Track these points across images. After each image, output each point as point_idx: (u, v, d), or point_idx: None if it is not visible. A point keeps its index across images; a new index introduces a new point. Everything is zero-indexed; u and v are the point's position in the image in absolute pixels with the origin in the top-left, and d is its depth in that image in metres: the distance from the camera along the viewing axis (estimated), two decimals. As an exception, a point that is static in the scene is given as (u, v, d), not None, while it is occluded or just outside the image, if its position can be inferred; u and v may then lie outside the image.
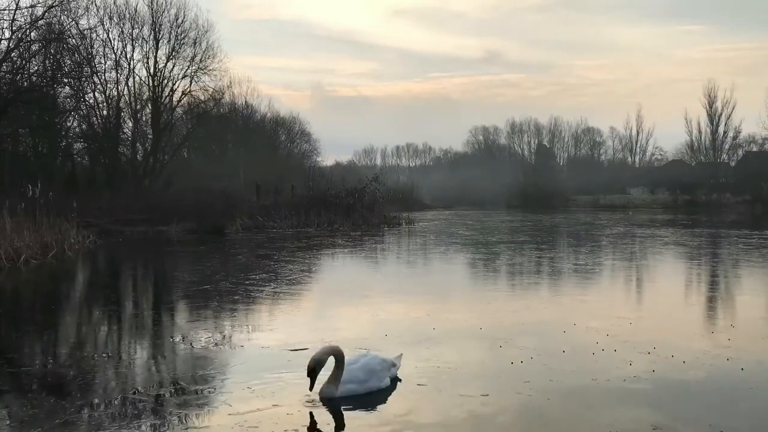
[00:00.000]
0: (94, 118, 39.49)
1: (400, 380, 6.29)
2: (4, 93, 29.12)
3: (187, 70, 40.79)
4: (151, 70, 40.70)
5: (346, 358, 5.96)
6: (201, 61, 40.69)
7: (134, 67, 40.48)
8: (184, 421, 5.24)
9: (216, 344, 7.89)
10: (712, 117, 78.64)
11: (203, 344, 7.88)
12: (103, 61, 39.41)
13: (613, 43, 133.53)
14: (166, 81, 40.96)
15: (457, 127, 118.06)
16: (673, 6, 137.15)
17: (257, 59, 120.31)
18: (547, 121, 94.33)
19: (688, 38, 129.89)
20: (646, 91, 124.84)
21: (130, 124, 41.95)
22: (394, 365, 6.35)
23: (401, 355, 6.66)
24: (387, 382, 6.14)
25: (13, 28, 29.18)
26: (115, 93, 39.68)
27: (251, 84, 68.40)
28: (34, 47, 31.45)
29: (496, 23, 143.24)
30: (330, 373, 5.86)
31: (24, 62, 31.16)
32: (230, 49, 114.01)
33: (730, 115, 77.89)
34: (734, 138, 79.39)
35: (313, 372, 5.69)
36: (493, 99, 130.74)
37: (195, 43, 40.77)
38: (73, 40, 34.74)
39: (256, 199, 36.22)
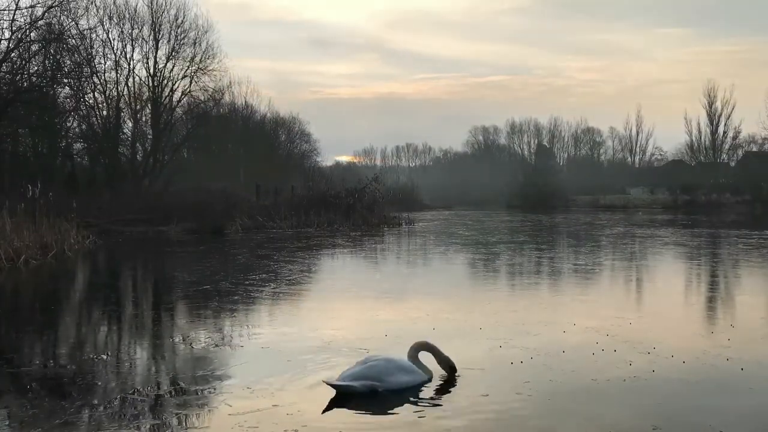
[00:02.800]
0: (94, 119, 39.53)
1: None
2: (4, 93, 29.14)
3: (186, 70, 40.90)
4: (151, 71, 40.78)
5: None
6: (201, 61, 40.82)
7: (134, 68, 40.59)
8: (184, 421, 5.24)
9: (216, 344, 7.89)
10: (712, 117, 78.74)
11: (203, 344, 7.88)
12: (102, 62, 39.55)
13: (600, 44, 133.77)
14: (165, 81, 41.06)
15: (448, 128, 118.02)
16: (659, 9, 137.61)
17: (236, 61, 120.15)
18: (547, 122, 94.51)
19: (681, 40, 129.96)
20: (640, 91, 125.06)
21: (130, 125, 42.06)
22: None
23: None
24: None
25: (13, 28, 29.25)
26: (115, 93, 39.78)
27: (251, 84, 68.70)
28: (34, 47, 31.47)
29: (475, 25, 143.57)
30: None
31: (24, 62, 31.19)
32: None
33: (729, 115, 78.06)
34: (734, 138, 79.54)
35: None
36: (483, 100, 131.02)
37: (195, 43, 40.91)
38: (73, 41, 34.76)
39: (256, 199, 36.20)
